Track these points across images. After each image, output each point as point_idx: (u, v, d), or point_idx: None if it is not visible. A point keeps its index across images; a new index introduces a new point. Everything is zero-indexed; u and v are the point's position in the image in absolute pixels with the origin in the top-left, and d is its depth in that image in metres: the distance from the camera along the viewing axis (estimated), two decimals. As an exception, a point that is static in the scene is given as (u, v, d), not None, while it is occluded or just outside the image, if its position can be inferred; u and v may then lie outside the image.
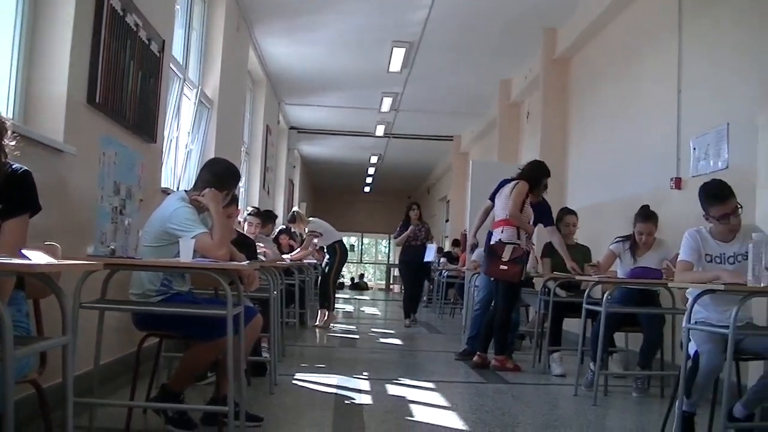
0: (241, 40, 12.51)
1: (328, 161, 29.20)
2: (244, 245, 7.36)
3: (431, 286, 20.78)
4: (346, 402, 6.54)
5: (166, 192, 7.71)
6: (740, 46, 7.38)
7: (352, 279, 35.70)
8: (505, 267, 8.36)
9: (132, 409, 5.11)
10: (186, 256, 4.74)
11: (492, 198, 8.90)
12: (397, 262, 39.09)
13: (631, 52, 10.37)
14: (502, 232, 8.44)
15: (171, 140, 9.28)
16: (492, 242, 8.44)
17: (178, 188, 9.11)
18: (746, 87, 7.05)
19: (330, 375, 7.86)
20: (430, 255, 15.04)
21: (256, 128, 16.56)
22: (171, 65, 8.48)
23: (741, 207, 5.42)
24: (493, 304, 8.85)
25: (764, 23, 6.46)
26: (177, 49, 9.27)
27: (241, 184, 13.98)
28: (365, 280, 37.22)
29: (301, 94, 18.79)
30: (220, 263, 4.82)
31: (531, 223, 8.71)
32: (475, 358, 8.69)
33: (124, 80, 6.49)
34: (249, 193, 15.85)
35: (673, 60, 8.79)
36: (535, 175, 8.70)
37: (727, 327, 4.73)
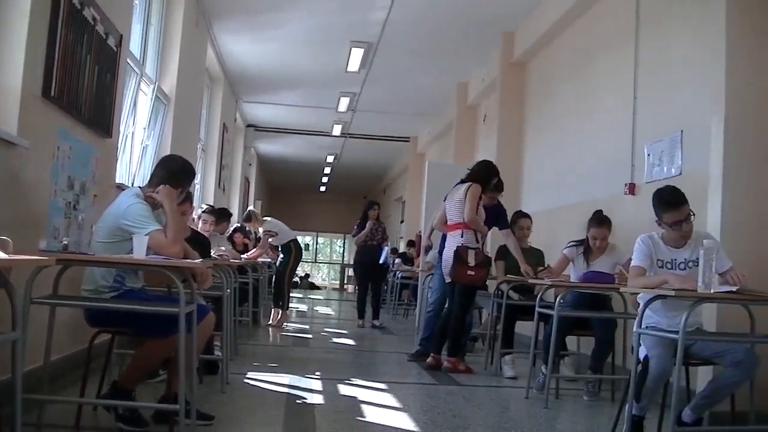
0: (199, 36, 12.45)
1: (285, 160, 29.14)
2: (198, 243, 7.33)
3: (385, 287, 20.76)
4: (297, 401, 6.53)
5: (121, 188, 7.66)
6: (694, 54, 7.45)
7: (300, 278, 35.70)
8: (473, 272, 8.37)
9: (82, 406, 5.07)
10: (139, 253, 4.72)
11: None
12: (351, 261, 39.33)
13: (588, 57, 10.44)
14: (462, 236, 8.45)
15: (127, 136, 9.22)
16: (456, 247, 8.42)
17: (133, 184, 9.04)
18: (700, 95, 7.12)
19: (282, 374, 7.84)
20: (383, 256, 14.96)
21: (213, 125, 16.48)
22: (128, 60, 8.41)
23: (693, 214, 5.47)
24: (447, 306, 8.87)
25: (716, 33, 6.52)
26: (134, 45, 9.22)
27: (196, 181, 13.95)
28: (311, 279, 37.06)
29: (259, 92, 18.74)
30: (173, 261, 4.79)
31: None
32: (429, 359, 8.71)
33: (80, 74, 6.43)
34: (204, 191, 15.77)
35: (629, 67, 8.86)
36: (485, 175, 8.72)
37: (677, 332, 4.78)
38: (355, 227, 14.51)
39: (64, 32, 5.96)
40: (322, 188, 35.98)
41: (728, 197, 6.22)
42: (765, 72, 6.38)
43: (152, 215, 5.03)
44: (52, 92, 5.83)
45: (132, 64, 8.96)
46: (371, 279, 14.80)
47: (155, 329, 4.85)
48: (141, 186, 5.38)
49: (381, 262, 14.70)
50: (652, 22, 8.59)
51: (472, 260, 8.34)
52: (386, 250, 15.02)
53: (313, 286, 35.12)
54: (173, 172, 5.28)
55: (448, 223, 8.67)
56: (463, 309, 8.64)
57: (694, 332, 5.38)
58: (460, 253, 8.35)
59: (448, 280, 8.63)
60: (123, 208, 5.01)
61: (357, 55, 14.70)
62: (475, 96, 16.16)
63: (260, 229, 13.04)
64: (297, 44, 14.66)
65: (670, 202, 5.44)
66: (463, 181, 8.71)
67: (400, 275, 18.62)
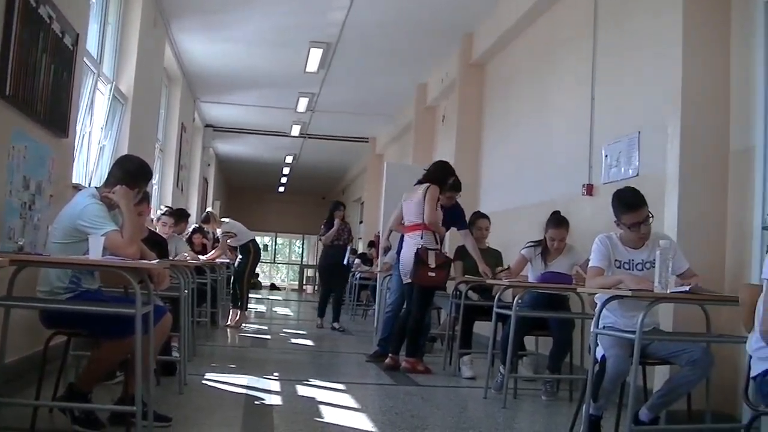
0: (157, 36, 12.37)
1: (243, 160, 29.03)
2: (156, 244, 7.29)
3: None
4: (255, 402, 6.53)
5: (77, 188, 7.59)
6: (651, 56, 7.50)
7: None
8: (434, 273, 8.38)
9: (38, 409, 5.01)
10: (95, 254, 4.68)
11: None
12: (311, 262, 39.27)
13: (547, 59, 10.49)
14: (422, 237, 8.45)
15: (83, 135, 9.14)
16: (416, 248, 8.42)
17: (89, 184, 8.96)
18: (657, 96, 7.17)
19: (240, 375, 7.81)
20: (347, 257, 14.86)
21: (171, 125, 16.38)
22: (85, 59, 8.34)
23: (652, 216, 5.52)
24: (405, 307, 8.88)
25: (673, 35, 6.57)
26: (91, 44, 9.14)
27: (154, 181, 13.87)
28: (266, 280, 36.98)
29: (218, 92, 18.67)
30: (130, 261, 4.76)
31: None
32: (387, 359, 8.70)
33: (35, 73, 6.37)
34: (162, 191, 15.68)
35: (587, 68, 8.91)
36: (441, 176, 8.74)
37: (633, 332, 4.81)
38: (322, 227, 14.30)
39: (19, 30, 5.90)
40: (281, 189, 35.88)
41: (684, 198, 6.28)
42: (721, 75, 6.45)
43: (108, 216, 4.99)
44: (6, 91, 5.77)
45: (89, 63, 8.89)
46: (334, 280, 14.50)
47: (112, 330, 4.81)
48: (97, 186, 5.34)
49: (345, 263, 14.59)
50: (609, 23, 8.64)
51: (432, 261, 8.35)
52: (349, 250, 14.92)
53: (274, 287, 35.06)
54: (130, 172, 5.24)
55: (407, 224, 8.67)
56: (422, 310, 8.65)
57: (650, 332, 5.43)
58: (420, 255, 8.35)
59: (407, 280, 8.63)
60: (79, 208, 4.96)
61: (316, 55, 14.67)
62: (434, 97, 16.18)
63: (219, 230, 13.00)
64: (256, 44, 14.60)
65: (629, 203, 5.48)
66: (420, 182, 8.72)
67: (359, 276, 18.60)
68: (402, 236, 8.84)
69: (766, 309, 3.65)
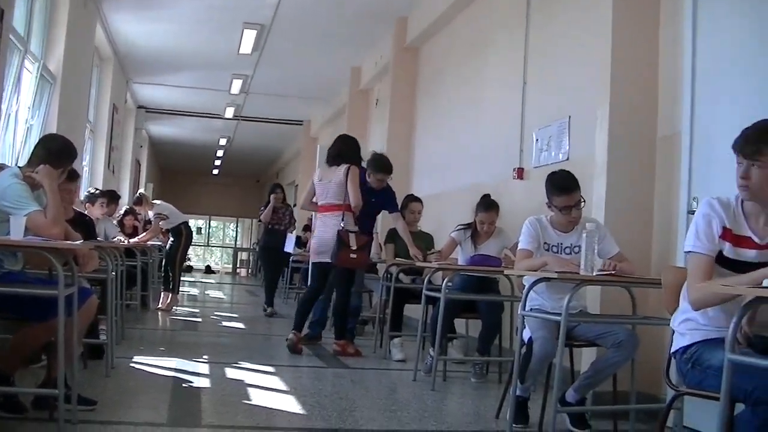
0: (88, 14, 12.19)
1: (177, 142, 28.78)
2: (82, 224, 7.19)
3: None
4: (183, 385, 6.47)
5: (2, 167, 7.45)
6: (582, 42, 7.56)
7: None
8: (355, 255, 8.36)
9: (-42, 393, 4.93)
10: (17, 234, 4.60)
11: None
12: (245, 245, 39.08)
13: (480, 43, 10.51)
14: (343, 219, 8.42)
15: (10, 114, 8.99)
16: (337, 230, 8.38)
17: (16, 164, 8.82)
18: (587, 82, 7.22)
19: (169, 358, 7.73)
20: (290, 245, 14.49)
21: (102, 106, 16.18)
22: (11, 36, 8.20)
23: (584, 201, 5.58)
24: (310, 286, 8.85)
25: (603, 21, 6.61)
26: (18, 20, 8.98)
27: (84, 163, 13.69)
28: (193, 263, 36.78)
29: (150, 73, 18.46)
30: (53, 242, 4.68)
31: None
32: (290, 336, 8.57)
33: (-43, 50, 6.25)
34: (93, 173, 15.50)
35: (520, 52, 8.95)
36: (354, 154, 8.71)
37: (560, 314, 4.84)
38: (262, 208, 13.94)
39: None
40: (215, 171, 35.67)
41: (612, 183, 6.32)
42: (649, 60, 6.50)
43: (32, 196, 4.90)
44: (-73, 68, 5.65)
45: (15, 41, 8.73)
46: (272, 266, 14.18)
47: (34, 313, 4.73)
48: (20, 166, 5.25)
49: (286, 249, 14.22)
50: (542, 8, 8.68)
51: (353, 243, 8.32)
52: (292, 239, 14.62)
53: (209, 270, 34.87)
54: (53, 152, 5.15)
55: (325, 204, 8.57)
56: (344, 292, 8.65)
57: (577, 315, 5.49)
58: (342, 237, 8.32)
59: (322, 259, 8.55)
60: (1, 188, 4.87)
61: (249, 36, 14.58)
62: (368, 80, 16.19)
63: (150, 213, 12.87)
64: (189, 24, 14.46)
65: (562, 186, 5.52)
66: (335, 162, 8.66)
67: (291, 258, 18.52)
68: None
69: (689, 282, 3.70)
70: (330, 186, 8.54)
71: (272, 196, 13.58)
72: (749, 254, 3.70)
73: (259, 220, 14.43)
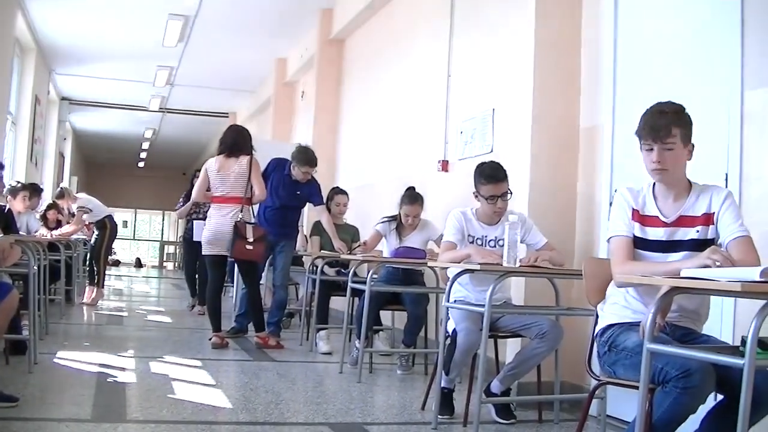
0: (7, 2, 11.96)
1: (102, 134, 28.39)
2: (1, 217, 7.07)
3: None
4: (108, 380, 6.37)
5: None
6: (505, 35, 7.60)
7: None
8: (251, 247, 8.28)
9: None
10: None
11: (264, 178, 8.82)
12: (171, 239, 38.69)
13: (406, 35, 10.53)
14: (242, 211, 8.35)
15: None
16: (235, 222, 8.27)
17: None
18: (511, 74, 7.28)
19: (94, 353, 7.62)
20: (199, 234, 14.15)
21: (24, 98, 15.89)
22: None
23: (511, 193, 5.62)
24: (211, 281, 8.77)
25: (526, 13, 6.66)
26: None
27: (6, 155, 13.46)
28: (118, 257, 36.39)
29: (74, 64, 18.16)
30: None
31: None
32: (213, 338, 8.54)
33: None
34: (15, 166, 15.24)
35: (444, 45, 8.98)
36: (249, 145, 8.61)
37: (484, 306, 4.88)
38: (181, 199, 13.07)
39: None
40: (141, 164, 35.30)
41: (535, 175, 6.37)
42: (572, 52, 6.56)
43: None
44: None
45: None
46: (199, 259, 12.43)
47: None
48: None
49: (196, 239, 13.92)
50: (467, 2, 8.71)
51: (250, 235, 8.25)
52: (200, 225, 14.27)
53: (139, 263, 34.49)
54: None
55: (223, 195, 8.44)
56: (254, 284, 8.62)
57: (501, 306, 5.54)
58: (239, 228, 8.24)
59: (216, 251, 8.45)
60: None
61: (174, 27, 14.45)
62: (294, 72, 16.16)
63: (74, 206, 12.70)
64: (113, 15, 14.25)
65: (491, 176, 5.55)
66: (231, 153, 8.53)
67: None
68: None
69: (612, 262, 3.80)
70: (229, 177, 8.41)
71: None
72: (657, 232, 3.80)
73: (176, 210, 13.41)
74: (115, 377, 6.51)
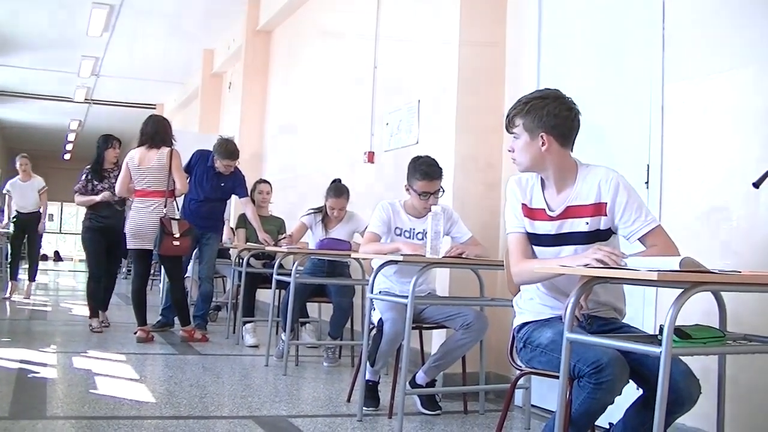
0: None
1: (25, 126, 27.90)
2: None
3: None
4: (29, 376, 6.29)
5: None
6: (431, 27, 7.61)
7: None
8: (178, 243, 8.21)
9: None
10: None
11: (188, 170, 8.76)
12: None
13: (332, 27, 10.51)
14: (165, 206, 8.25)
15: None
16: (160, 218, 8.18)
17: None
18: (436, 64, 7.29)
19: (15, 348, 7.52)
20: None
21: (-58, 89, 15.59)
22: None
23: (443, 190, 5.64)
24: (135, 275, 8.79)
25: (450, 8, 6.66)
26: None
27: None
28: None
29: (-5, 54, 17.84)
30: None
31: None
32: (138, 332, 8.46)
33: None
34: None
35: (371, 36, 8.97)
36: (169, 136, 8.57)
37: (407, 296, 4.88)
38: (83, 177, 9.46)
39: None
40: (67, 156, 34.77)
41: (459, 166, 6.37)
42: (496, 41, 6.58)
43: None
44: None
45: None
46: (108, 254, 9.35)
47: None
48: None
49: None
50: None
51: (176, 231, 8.17)
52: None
53: (58, 257, 34.02)
54: None
55: (146, 189, 8.33)
56: (179, 278, 8.60)
57: (425, 297, 5.56)
58: (164, 224, 8.15)
59: (143, 246, 8.34)
60: None
61: (99, 16, 14.20)
62: (221, 63, 16.12)
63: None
64: (35, 3, 13.98)
65: (427, 173, 5.56)
66: (152, 145, 8.44)
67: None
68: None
69: (510, 260, 3.77)
70: (150, 170, 8.31)
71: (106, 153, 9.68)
72: (545, 226, 3.70)
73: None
74: (36, 373, 6.42)
